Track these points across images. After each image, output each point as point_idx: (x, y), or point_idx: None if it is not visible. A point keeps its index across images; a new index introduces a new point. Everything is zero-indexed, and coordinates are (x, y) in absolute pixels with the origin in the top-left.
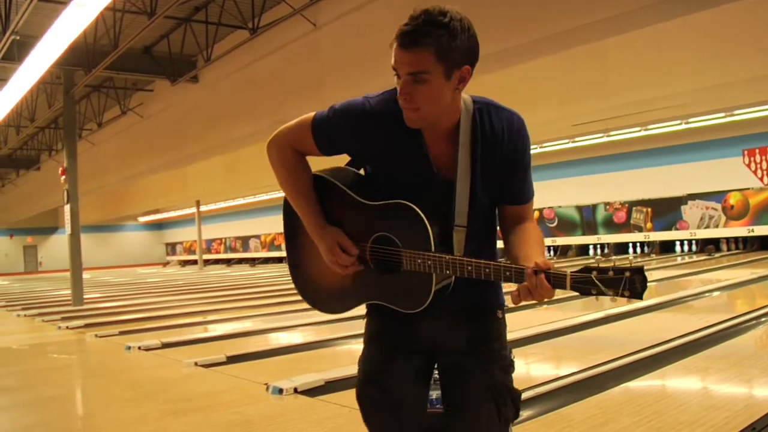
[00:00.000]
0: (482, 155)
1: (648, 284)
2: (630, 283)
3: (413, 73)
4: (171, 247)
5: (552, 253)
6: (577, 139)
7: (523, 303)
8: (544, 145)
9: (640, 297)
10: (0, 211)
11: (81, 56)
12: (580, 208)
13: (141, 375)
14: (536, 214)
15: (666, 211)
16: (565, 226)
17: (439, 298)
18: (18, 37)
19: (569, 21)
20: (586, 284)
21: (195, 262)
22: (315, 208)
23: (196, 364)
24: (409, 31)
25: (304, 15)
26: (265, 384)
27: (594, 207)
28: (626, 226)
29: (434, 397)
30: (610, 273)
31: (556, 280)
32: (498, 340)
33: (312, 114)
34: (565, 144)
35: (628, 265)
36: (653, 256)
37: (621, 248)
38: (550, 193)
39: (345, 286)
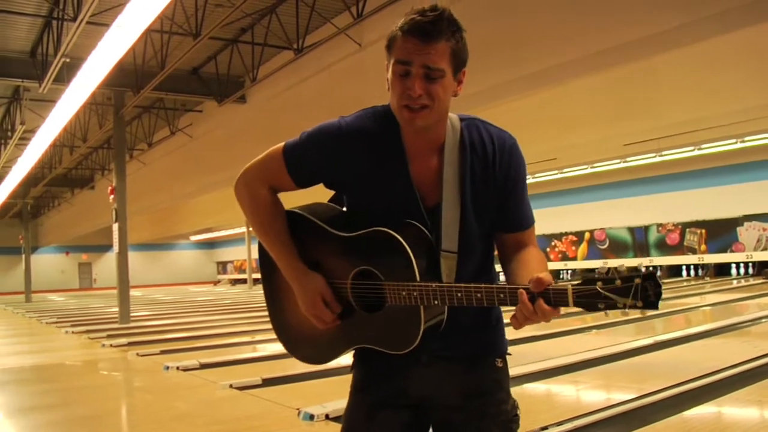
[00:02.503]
0: (471, 173)
1: (662, 292)
2: (642, 291)
3: (431, 68)
4: (222, 266)
5: None
6: (628, 159)
7: (574, 326)
8: (595, 165)
9: (654, 306)
10: (56, 229)
11: (131, 78)
12: (632, 230)
13: (175, 396)
14: (587, 235)
15: (721, 232)
16: (617, 247)
17: (429, 345)
18: (68, 59)
19: (616, 37)
20: (591, 298)
21: (245, 281)
22: (291, 251)
23: (231, 386)
24: (432, 23)
25: (348, 35)
26: (297, 409)
27: (646, 228)
28: (679, 248)
29: None
30: (617, 282)
31: (557, 297)
32: (496, 393)
33: (282, 143)
34: (617, 164)
35: (638, 272)
36: (707, 279)
37: (674, 271)
38: (602, 214)
39: (327, 331)
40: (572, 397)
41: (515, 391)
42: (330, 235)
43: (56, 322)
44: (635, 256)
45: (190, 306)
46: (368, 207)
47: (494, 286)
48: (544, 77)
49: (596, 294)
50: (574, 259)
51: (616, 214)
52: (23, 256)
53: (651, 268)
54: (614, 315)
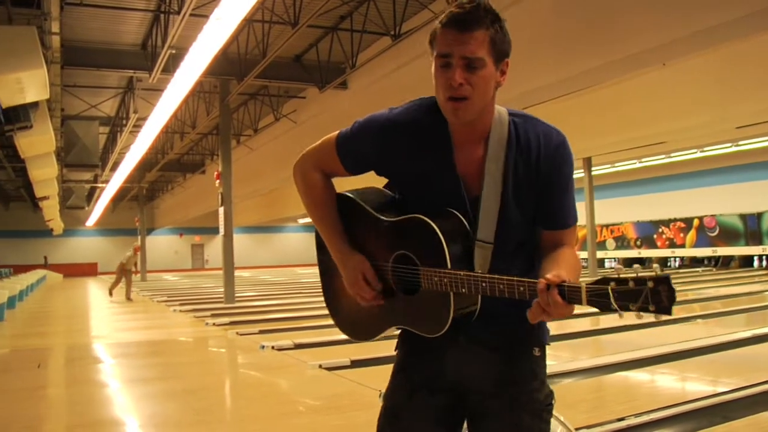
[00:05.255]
0: (514, 167)
1: (676, 297)
2: (653, 295)
3: (470, 57)
4: None
5: (713, 264)
6: (741, 142)
7: (678, 315)
8: (705, 149)
9: (668, 312)
10: (170, 211)
11: (235, 66)
12: (743, 217)
13: (267, 375)
14: (696, 222)
15: None
16: (728, 235)
17: (467, 330)
18: (174, 51)
19: (726, 13)
20: (603, 297)
21: None
22: (337, 232)
23: (320, 366)
24: (468, 12)
25: None
26: (379, 390)
27: (759, 215)
28: None
29: None
30: (630, 284)
31: (571, 294)
32: (531, 382)
33: (337, 132)
34: (728, 148)
35: (652, 274)
36: None
37: None
38: (711, 200)
39: (371, 310)
40: (675, 386)
41: (617, 377)
42: (374, 219)
43: (166, 301)
44: (747, 244)
45: (294, 287)
46: (416, 195)
47: (515, 279)
48: (643, 60)
49: (607, 294)
50: (683, 246)
51: (726, 200)
52: (139, 237)
53: (665, 272)
54: (719, 306)
